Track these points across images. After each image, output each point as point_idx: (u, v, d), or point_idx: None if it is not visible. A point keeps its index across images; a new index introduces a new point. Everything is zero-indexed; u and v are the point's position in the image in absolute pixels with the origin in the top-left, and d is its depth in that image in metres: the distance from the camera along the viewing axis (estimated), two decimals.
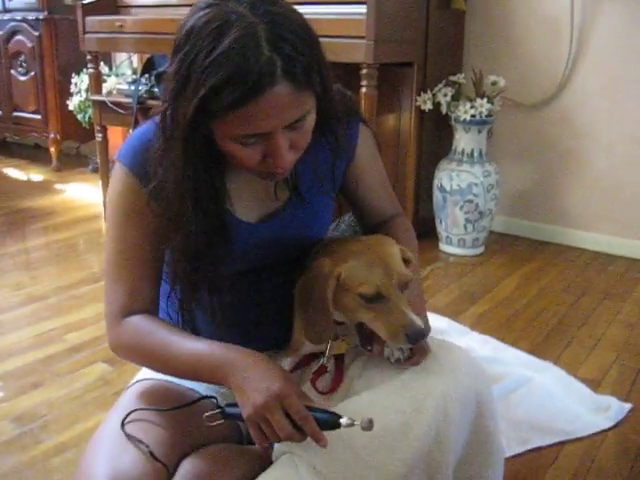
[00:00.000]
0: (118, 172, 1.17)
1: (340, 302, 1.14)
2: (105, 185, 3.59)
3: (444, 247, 3.19)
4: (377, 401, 1.11)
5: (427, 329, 1.15)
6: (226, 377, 1.06)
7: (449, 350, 1.21)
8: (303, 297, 1.16)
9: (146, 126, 1.19)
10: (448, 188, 3.06)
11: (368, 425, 1.00)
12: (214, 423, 1.08)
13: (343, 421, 1.01)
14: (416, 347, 1.15)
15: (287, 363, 1.32)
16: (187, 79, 0.97)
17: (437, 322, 2.28)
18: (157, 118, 1.11)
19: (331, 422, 1.02)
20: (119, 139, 4.28)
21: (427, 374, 1.14)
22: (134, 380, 1.30)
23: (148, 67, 3.23)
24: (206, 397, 1.17)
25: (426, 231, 3.22)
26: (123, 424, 1.12)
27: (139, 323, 1.16)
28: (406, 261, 1.18)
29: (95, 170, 4.41)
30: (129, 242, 1.17)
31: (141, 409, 1.17)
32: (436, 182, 3.13)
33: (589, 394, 1.90)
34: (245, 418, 1.04)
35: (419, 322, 1.09)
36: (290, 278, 1.20)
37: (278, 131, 1.01)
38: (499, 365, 2.01)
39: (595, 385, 1.96)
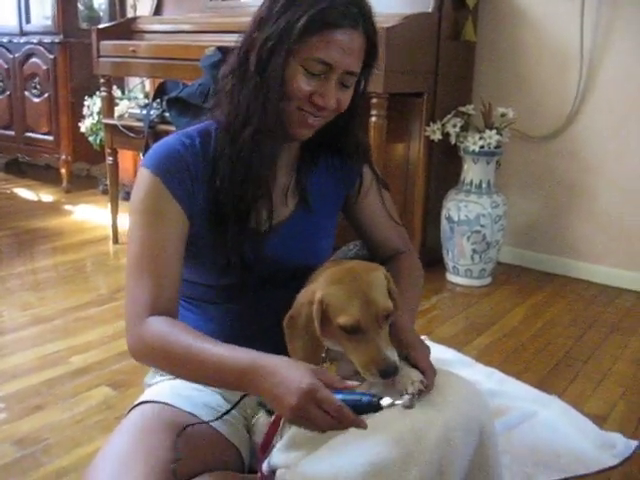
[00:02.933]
0: (142, 176, 1.23)
1: (325, 329, 1.14)
2: (114, 208, 3.60)
3: (451, 277, 3.19)
4: (377, 431, 1.11)
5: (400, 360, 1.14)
6: (254, 383, 1.05)
7: (451, 379, 1.21)
8: (290, 325, 1.17)
9: (171, 136, 1.28)
10: (456, 218, 3.06)
11: (410, 403, 1.00)
12: None
13: (384, 402, 1.00)
14: (426, 374, 1.15)
15: None
16: (291, 3, 1.18)
17: (442, 353, 2.27)
18: (182, 131, 1.28)
19: (370, 405, 1.01)
20: (130, 163, 4.32)
21: (429, 403, 1.14)
22: (136, 403, 1.31)
23: (160, 92, 3.25)
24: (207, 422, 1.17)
25: (433, 261, 3.22)
26: (178, 436, 1.13)
27: (162, 324, 1.16)
28: (391, 292, 1.18)
29: (105, 192, 4.44)
30: (152, 242, 1.21)
31: (194, 424, 1.17)
32: (444, 212, 3.14)
33: (595, 430, 1.88)
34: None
35: (393, 358, 1.09)
36: (289, 294, 1.21)
37: (336, 74, 1.20)
38: (503, 398, 1.99)
39: (601, 421, 1.94)
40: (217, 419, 1.13)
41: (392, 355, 1.10)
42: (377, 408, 1.01)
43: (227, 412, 1.13)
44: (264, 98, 1.18)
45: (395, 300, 1.19)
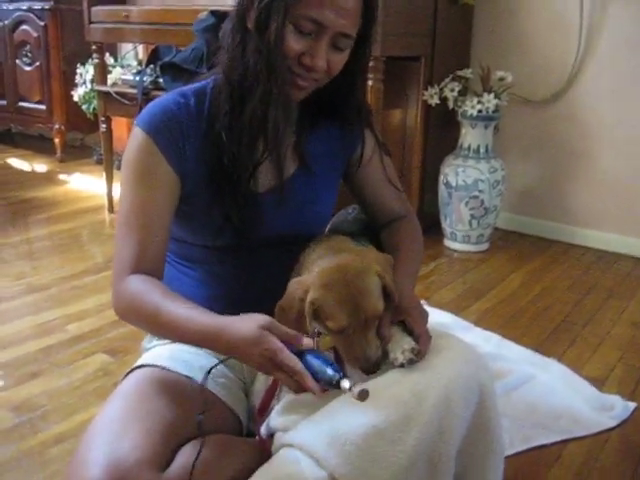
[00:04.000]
0: (135, 134, 1.22)
1: (315, 322, 1.15)
2: (109, 176, 3.57)
3: (449, 243, 3.18)
4: (377, 393, 1.10)
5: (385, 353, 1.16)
6: (217, 347, 1.10)
7: (449, 340, 1.20)
8: (281, 315, 1.16)
9: (165, 95, 1.27)
10: (454, 184, 3.04)
11: (361, 395, 0.99)
12: None
13: (342, 385, 1.00)
14: (421, 340, 1.15)
15: None
16: None
17: (441, 317, 2.27)
18: (177, 90, 1.26)
19: (330, 382, 1.01)
20: (124, 131, 4.27)
21: (428, 365, 1.13)
22: (132, 367, 1.30)
23: (153, 58, 3.20)
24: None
25: (431, 227, 3.20)
26: (209, 372, 1.12)
27: (139, 283, 1.17)
28: (386, 287, 1.17)
29: (99, 161, 4.40)
30: (141, 201, 1.21)
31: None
32: (442, 178, 3.12)
33: (593, 393, 1.88)
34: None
35: (374, 358, 1.12)
36: (285, 258, 1.20)
37: (328, 35, 1.16)
38: (502, 362, 2.00)
39: (599, 384, 1.94)
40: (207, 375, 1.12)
41: (376, 354, 1.12)
42: (332, 384, 1.01)
43: (213, 367, 1.12)
44: (268, 58, 1.16)
45: (392, 294, 1.17)
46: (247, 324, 1.05)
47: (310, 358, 1.04)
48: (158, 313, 1.13)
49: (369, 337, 1.13)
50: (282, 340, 1.05)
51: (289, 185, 1.31)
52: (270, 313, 1.12)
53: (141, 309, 1.16)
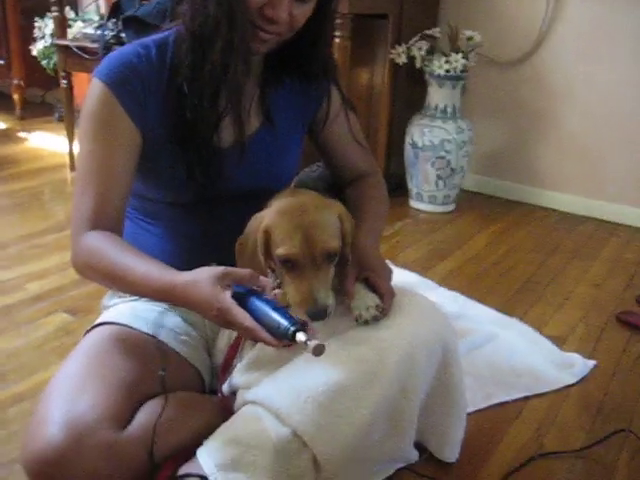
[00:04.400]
0: (93, 86, 1.19)
1: (270, 260, 1.14)
2: (70, 134, 3.49)
3: (414, 204, 3.18)
4: (341, 350, 1.10)
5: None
6: (172, 301, 1.10)
7: (414, 298, 1.20)
8: (240, 250, 1.17)
9: (126, 46, 1.24)
10: (420, 144, 3.03)
11: (317, 350, 0.97)
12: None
13: (298, 338, 0.98)
14: (384, 298, 1.14)
15: None
16: None
17: (406, 277, 2.27)
18: (138, 41, 1.23)
19: (285, 335, 0.99)
20: (85, 86, 4.16)
21: (392, 322, 1.13)
22: (93, 325, 1.28)
23: (115, 11, 3.11)
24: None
25: (397, 187, 3.19)
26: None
27: (96, 239, 1.16)
28: (344, 234, 1.16)
29: (61, 119, 4.30)
30: (99, 155, 1.18)
31: None
32: (408, 138, 3.10)
33: (554, 351, 1.91)
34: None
35: (324, 302, 1.08)
36: (249, 214, 1.18)
37: None
38: (466, 321, 2.01)
39: (561, 342, 1.97)
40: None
41: (325, 298, 1.08)
42: (292, 339, 0.99)
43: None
44: (229, 8, 1.13)
45: (348, 244, 1.16)
46: (201, 282, 1.04)
47: (265, 308, 1.02)
48: (116, 269, 1.12)
49: (320, 277, 1.10)
50: (241, 283, 1.03)
51: (252, 140, 1.30)
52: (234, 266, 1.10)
53: (99, 265, 1.14)
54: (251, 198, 1.24)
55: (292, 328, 0.98)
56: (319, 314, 1.08)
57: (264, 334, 0.99)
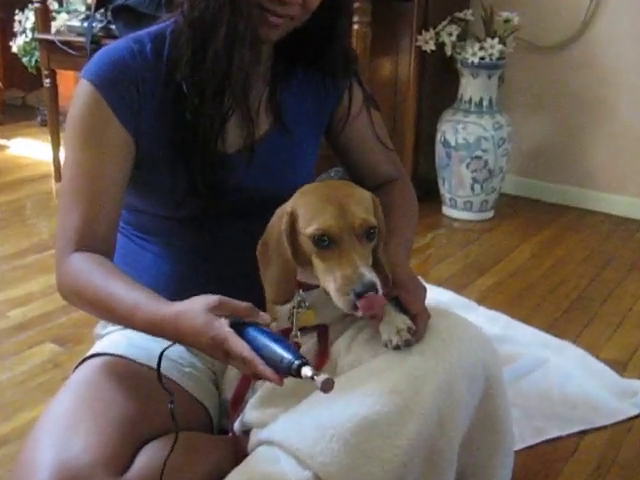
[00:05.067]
0: (81, 87, 1.20)
1: (297, 249, 1.12)
2: (55, 140, 3.53)
3: (448, 211, 3.18)
4: (369, 380, 1.09)
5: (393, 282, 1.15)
6: (163, 335, 1.10)
7: (451, 319, 1.19)
8: (263, 251, 1.16)
9: (116, 42, 1.24)
10: (453, 143, 3.03)
11: (326, 385, 0.95)
12: None
13: (304, 372, 0.96)
14: (417, 319, 1.14)
15: None
16: None
17: (440, 295, 2.27)
18: (132, 35, 1.23)
19: (289, 369, 0.97)
20: (71, 86, 4.21)
21: (427, 347, 1.12)
22: (85, 356, 1.29)
23: (103, 0, 3.16)
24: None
25: (427, 193, 3.18)
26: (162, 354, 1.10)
27: (82, 261, 1.16)
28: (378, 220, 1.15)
29: (44, 123, 4.34)
30: (87, 165, 1.19)
31: None
32: (439, 136, 3.10)
33: (613, 377, 1.90)
34: None
35: (371, 278, 1.05)
36: (259, 229, 1.18)
37: None
38: (510, 345, 2.00)
39: (620, 367, 1.95)
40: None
41: (371, 275, 1.06)
42: (296, 374, 0.97)
43: (167, 348, 1.11)
44: None
45: (382, 230, 1.16)
46: (194, 310, 1.04)
47: (264, 339, 1.01)
48: (101, 296, 1.12)
49: (362, 253, 1.08)
50: (237, 315, 1.04)
51: (262, 144, 1.30)
52: (240, 292, 1.10)
53: (84, 292, 1.15)
54: (259, 212, 1.24)
55: (296, 362, 0.97)
56: (367, 287, 1.05)
57: (265, 368, 0.99)
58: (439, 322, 1.17)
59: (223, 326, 1.01)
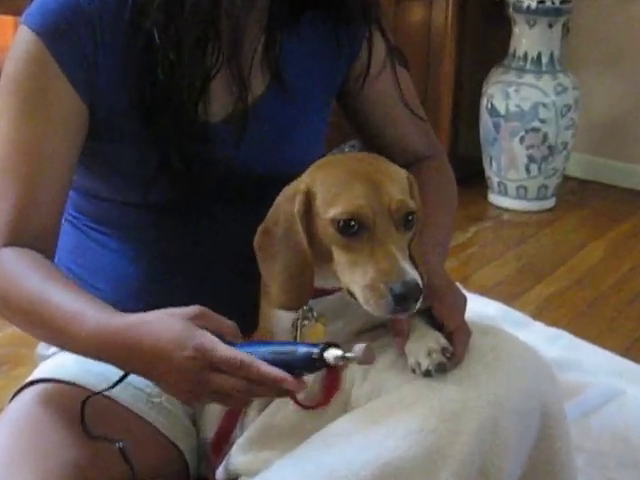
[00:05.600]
0: (20, 37, 1.20)
1: (314, 236, 1.11)
2: None
3: (495, 199, 3.19)
4: (390, 417, 1.09)
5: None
6: (117, 357, 1.08)
7: (498, 338, 1.19)
8: (265, 242, 1.15)
9: None
10: (502, 111, 3.03)
11: (366, 357, 0.96)
12: None
13: (329, 354, 0.97)
14: (455, 337, 1.14)
15: None
16: None
17: (484, 307, 2.27)
18: None
19: (308, 359, 0.98)
20: (8, 36, 4.23)
21: (466, 373, 1.12)
22: (25, 382, 1.29)
23: None
24: None
25: (469, 175, 3.18)
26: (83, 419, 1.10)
27: (13, 261, 1.16)
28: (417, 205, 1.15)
29: None
30: (25, 137, 1.19)
31: None
32: (485, 102, 3.11)
33: None
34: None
35: (413, 274, 1.04)
36: (250, 221, 1.18)
37: None
38: (575, 372, 2.00)
39: None
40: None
41: (414, 272, 1.05)
42: (320, 364, 0.97)
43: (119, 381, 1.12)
44: None
45: (420, 219, 1.16)
46: (167, 319, 1.04)
47: (261, 346, 1.02)
48: (35, 304, 1.12)
49: (400, 244, 1.08)
50: (219, 332, 1.03)
51: (255, 111, 1.29)
52: (229, 303, 1.11)
53: (16, 298, 1.15)
54: (251, 197, 1.24)
55: (316, 349, 0.97)
56: (410, 292, 1.04)
57: (272, 369, 0.98)
58: (482, 342, 1.17)
59: (207, 334, 1.01)
